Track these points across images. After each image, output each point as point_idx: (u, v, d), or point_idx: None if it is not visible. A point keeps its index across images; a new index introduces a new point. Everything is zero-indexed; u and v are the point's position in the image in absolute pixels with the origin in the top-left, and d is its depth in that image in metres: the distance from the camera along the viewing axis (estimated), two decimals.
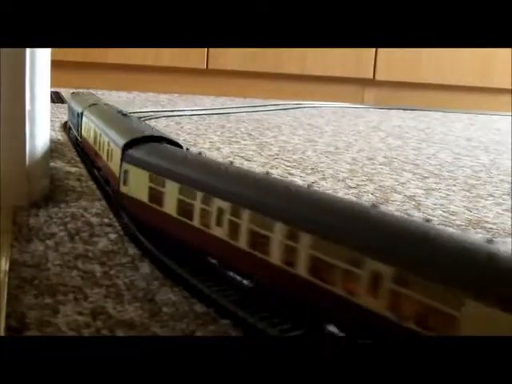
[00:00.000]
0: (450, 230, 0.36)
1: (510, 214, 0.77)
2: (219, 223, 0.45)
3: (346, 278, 0.35)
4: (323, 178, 0.91)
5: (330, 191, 0.82)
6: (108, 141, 0.65)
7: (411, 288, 0.32)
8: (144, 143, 0.58)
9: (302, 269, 0.38)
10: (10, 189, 0.64)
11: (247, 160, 1.01)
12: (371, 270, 0.34)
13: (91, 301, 0.44)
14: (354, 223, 0.36)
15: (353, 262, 0.35)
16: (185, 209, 0.49)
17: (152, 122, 1.39)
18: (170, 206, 0.50)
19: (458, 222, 0.71)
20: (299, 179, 0.89)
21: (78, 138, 0.91)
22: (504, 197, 0.87)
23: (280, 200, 0.41)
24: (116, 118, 0.74)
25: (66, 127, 1.13)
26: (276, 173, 0.92)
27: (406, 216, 0.38)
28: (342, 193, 0.82)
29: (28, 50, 0.62)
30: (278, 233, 0.39)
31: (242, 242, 0.43)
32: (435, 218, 0.72)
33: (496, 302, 0.28)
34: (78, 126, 0.89)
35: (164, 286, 0.48)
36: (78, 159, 0.90)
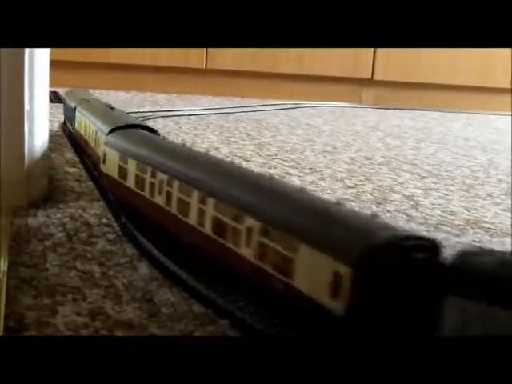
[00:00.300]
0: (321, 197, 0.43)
1: (508, 213, 0.77)
2: (160, 193, 0.52)
3: (233, 232, 0.42)
4: (321, 178, 0.91)
5: (329, 191, 0.83)
6: (96, 130, 0.72)
7: (269, 238, 0.39)
8: (121, 130, 0.65)
9: (207, 227, 0.46)
10: (9, 189, 0.64)
11: (245, 160, 1.01)
12: (247, 225, 0.41)
13: (90, 301, 0.44)
14: (242, 188, 0.44)
15: (237, 220, 0.42)
16: (140, 183, 0.56)
17: (150, 122, 1.39)
18: (130, 181, 0.58)
19: (456, 222, 0.71)
20: (297, 179, 0.89)
21: (72, 130, 0.97)
22: (502, 197, 0.87)
23: (197, 172, 0.49)
24: (104, 110, 0.81)
25: (64, 126, 1.13)
26: (274, 173, 0.92)
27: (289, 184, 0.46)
28: (341, 192, 0.82)
29: (27, 50, 0.62)
30: (194, 198, 0.47)
31: (173, 208, 0.50)
32: (433, 218, 0.72)
33: (324, 247, 0.34)
34: (72, 120, 0.96)
35: (163, 286, 0.48)
36: (76, 159, 0.90)
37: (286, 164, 1.00)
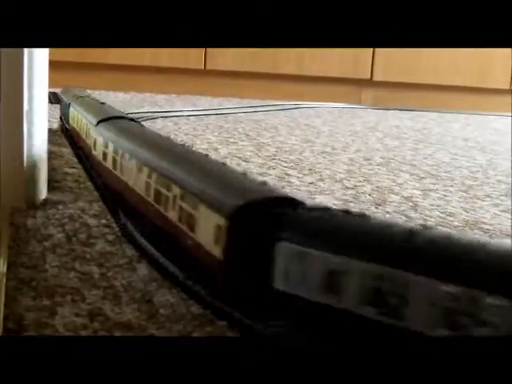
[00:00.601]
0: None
1: (507, 214, 0.78)
2: (121, 170, 0.61)
3: (166, 201, 0.50)
4: (320, 179, 0.91)
5: (328, 192, 0.83)
6: (86, 123, 0.80)
7: (185, 201, 0.46)
8: (108, 120, 0.73)
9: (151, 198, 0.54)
10: (8, 190, 0.64)
11: (245, 161, 1.01)
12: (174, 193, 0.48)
13: (89, 302, 0.44)
14: (178, 164, 0.51)
15: (168, 188, 0.49)
16: (113, 162, 0.64)
17: (149, 123, 1.39)
18: (109, 163, 0.65)
19: (455, 223, 0.71)
20: (296, 180, 0.89)
21: (67, 125, 1.05)
22: (501, 198, 0.87)
23: (149, 152, 0.57)
24: (94, 105, 0.90)
25: (63, 126, 1.13)
26: (273, 173, 0.92)
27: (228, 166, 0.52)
28: (340, 193, 0.82)
29: (26, 51, 0.62)
30: (144, 173, 0.55)
31: (131, 182, 0.59)
32: (432, 219, 0.72)
33: (213, 205, 0.42)
34: (67, 115, 1.03)
35: (162, 287, 0.48)
36: (75, 160, 0.90)
37: (285, 165, 1.01)
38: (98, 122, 0.72)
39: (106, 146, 0.66)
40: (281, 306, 0.39)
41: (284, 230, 0.39)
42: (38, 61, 0.64)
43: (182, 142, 0.70)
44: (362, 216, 0.38)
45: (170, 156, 0.55)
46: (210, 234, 0.42)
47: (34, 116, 0.64)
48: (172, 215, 0.49)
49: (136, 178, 0.57)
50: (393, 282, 0.33)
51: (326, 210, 0.40)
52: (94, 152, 0.72)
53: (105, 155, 0.67)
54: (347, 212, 0.38)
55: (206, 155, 0.57)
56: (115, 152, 0.63)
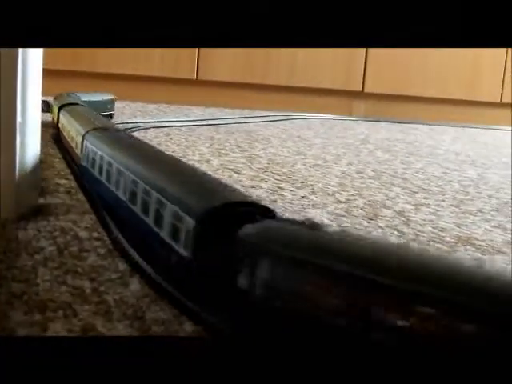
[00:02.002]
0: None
1: (498, 230, 0.78)
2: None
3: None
4: (313, 193, 0.91)
5: (320, 206, 0.83)
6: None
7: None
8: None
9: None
10: None
11: (236, 173, 1.01)
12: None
13: (81, 318, 0.44)
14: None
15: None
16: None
17: (141, 133, 1.39)
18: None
19: (447, 239, 0.71)
20: (289, 193, 0.89)
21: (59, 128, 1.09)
22: (492, 213, 0.88)
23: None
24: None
25: (55, 137, 1.13)
26: (266, 186, 0.92)
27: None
28: (332, 207, 0.82)
29: (20, 62, 0.62)
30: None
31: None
32: (425, 235, 0.72)
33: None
34: (57, 119, 1.09)
35: (154, 303, 0.48)
36: (67, 171, 0.90)
37: (278, 177, 1.00)
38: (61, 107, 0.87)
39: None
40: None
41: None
42: (31, 72, 0.63)
43: (171, 153, 0.73)
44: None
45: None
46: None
47: (27, 127, 0.63)
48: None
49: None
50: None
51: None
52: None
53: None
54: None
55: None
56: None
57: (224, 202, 0.44)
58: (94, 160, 0.70)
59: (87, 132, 0.76)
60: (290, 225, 0.40)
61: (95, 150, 0.70)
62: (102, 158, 0.66)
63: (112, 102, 1.52)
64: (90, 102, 1.31)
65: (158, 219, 0.49)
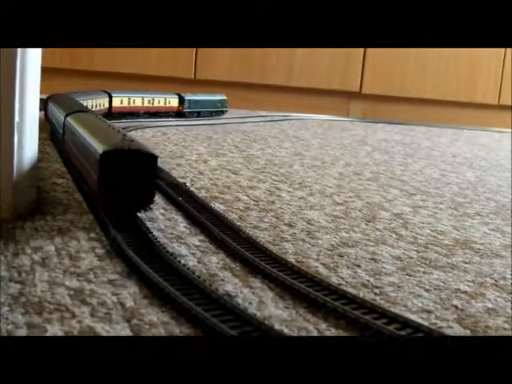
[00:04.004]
0: None
1: (497, 233, 0.78)
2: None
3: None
4: (311, 194, 0.91)
5: (318, 207, 0.82)
6: (60, 115, 0.97)
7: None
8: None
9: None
10: None
11: (234, 173, 1.01)
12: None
13: (78, 320, 0.44)
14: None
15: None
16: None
17: (138, 133, 1.39)
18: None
19: (445, 242, 0.71)
20: (287, 194, 0.89)
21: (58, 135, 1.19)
22: (491, 216, 0.88)
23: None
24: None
25: (52, 135, 1.13)
26: (263, 187, 0.92)
27: None
28: (330, 209, 0.82)
29: (18, 61, 0.61)
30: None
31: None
32: (423, 238, 0.72)
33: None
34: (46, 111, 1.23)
35: (152, 305, 0.47)
36: (64, 170, 0.89)
37: (275, 178, 1.00)
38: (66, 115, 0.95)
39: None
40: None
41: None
42: (30, 72, 0.63)
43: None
44: None
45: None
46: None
47: (24, 127, 0.63)
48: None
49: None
50: None
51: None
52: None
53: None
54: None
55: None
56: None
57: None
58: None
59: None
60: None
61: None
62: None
63: (224, 101, 1.92)
64: (206, 101, 1.84)
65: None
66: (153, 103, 1.65)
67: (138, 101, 1.61)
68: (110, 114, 1.50)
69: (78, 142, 0.75)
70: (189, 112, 1.75)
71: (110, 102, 1.52)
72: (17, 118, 0.62)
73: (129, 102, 1.58)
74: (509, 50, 2.46)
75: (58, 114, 1.00)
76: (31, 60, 0.63)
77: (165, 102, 1.69)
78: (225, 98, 1.92)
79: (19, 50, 0.61)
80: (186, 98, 1.75)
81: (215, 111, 1.88)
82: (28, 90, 0.62)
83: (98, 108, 1.41)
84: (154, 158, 0.62)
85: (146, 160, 0.62)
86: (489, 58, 2.46)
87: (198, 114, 1.80)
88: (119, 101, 1.55)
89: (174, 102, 1.72)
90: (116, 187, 0.61)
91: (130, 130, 1.38)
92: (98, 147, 0.62)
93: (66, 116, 0.88)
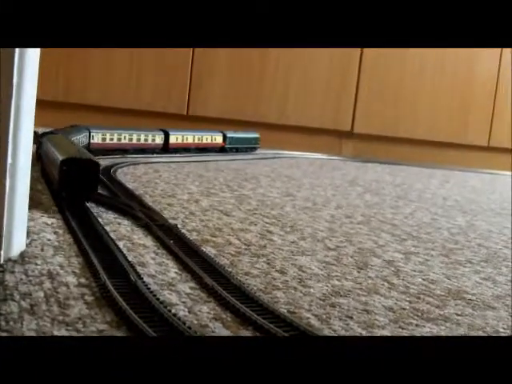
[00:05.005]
0: None
1: (488, 283, 0.77)
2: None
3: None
4: (302, 238, 0.90)
5: (309, 253, 0.82)
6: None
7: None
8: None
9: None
10: None
11: (226, 215, 1.00)
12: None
13: None
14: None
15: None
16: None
17: (130, 169, 1.39)
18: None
19: (437, 292, 0.71)
20: (278, 238, 0.88)
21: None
22: (482, 264, 0.87)
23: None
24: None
25: (44, 173, 1.12)
26: (255, 230, 0.92)
27: None
28: (322, 255, 0.81)
29: (13, 99, 0.61)
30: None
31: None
32: (415, 287, 0.72)
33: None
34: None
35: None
36: (55, 209, 0.89)
37: (267, 220, 1.00)
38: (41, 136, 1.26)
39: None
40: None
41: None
42: (24, 112, 0.62)
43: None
44: None
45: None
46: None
47: (17, 169, 0.62)
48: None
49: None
50: None
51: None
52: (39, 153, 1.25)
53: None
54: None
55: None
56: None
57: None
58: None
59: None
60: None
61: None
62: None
63: (257, 139, 2.17)
64: (244, 138, 2.10)
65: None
66: (202, 140, 1.93)
67: (190, 138, 1.89)
68: (168, 149, 1.80)
69: (48, 154, 1.04)
70: (229, 148, 2.02)
71: (167, 138, 1.81)
72: (9, 161, 0.61)
73: (182, 139, 1.87)
74: (499, 90, 2.48)
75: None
76: (26, 97, 0.62)
77: (211, 139, 1.97)
78: (258, 135, 2.16)
79: (14, 84, 0.61)
80: (228, 135, 2.01)
81: (250, 147, 2.13)
82: (22, 131, 0.62)
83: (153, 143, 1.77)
84: (98, 164, 0.89)
85: (92, 165, 0.89)
86: (480, 100, 2.48)
87: (237, 150, 2.05)
88: (175, 138, 1.83)
89: (219, 139, 1.99)
90: (70, 183, 0.88)
91: (122, 166, 1.38)
92: (60, 156, 0.89)
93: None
